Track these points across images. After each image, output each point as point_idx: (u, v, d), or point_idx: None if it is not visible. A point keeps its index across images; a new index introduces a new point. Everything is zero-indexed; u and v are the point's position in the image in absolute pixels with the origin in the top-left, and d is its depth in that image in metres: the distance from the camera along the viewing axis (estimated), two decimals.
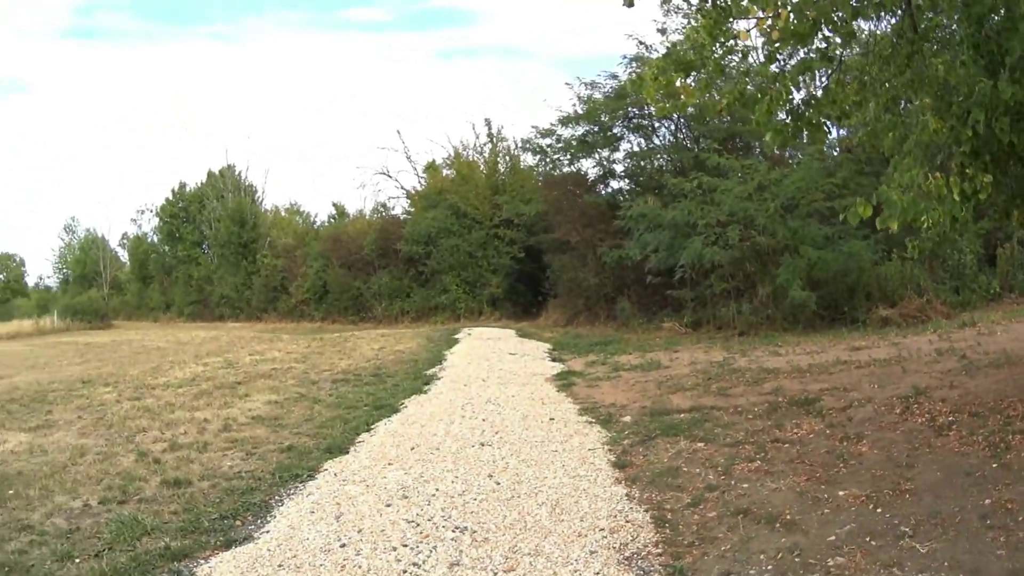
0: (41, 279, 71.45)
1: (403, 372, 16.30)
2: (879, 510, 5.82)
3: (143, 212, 59.41)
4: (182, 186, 53.88)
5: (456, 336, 24.27)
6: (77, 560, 6.35)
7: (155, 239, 56.98)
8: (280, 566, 5.84)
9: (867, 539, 5.34)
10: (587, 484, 7.41)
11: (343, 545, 6.20)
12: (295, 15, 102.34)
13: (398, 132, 40.59)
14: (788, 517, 5.92)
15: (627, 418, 10.20)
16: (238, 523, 6.95)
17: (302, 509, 7.23)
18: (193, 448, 9.97)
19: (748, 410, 9.79)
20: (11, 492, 8.46)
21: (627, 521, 6.31)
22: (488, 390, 13.30)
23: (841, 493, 6.28)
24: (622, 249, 22.37)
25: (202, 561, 6.10)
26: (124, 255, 63.15)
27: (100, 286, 57.16)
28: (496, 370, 15.82)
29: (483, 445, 9.24)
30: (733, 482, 7.02)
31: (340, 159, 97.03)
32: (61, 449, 10.43)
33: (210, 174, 51.82)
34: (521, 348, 19.75)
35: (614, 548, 5.77)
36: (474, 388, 13.61)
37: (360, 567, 5.72)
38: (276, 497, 7.68)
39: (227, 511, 7.26)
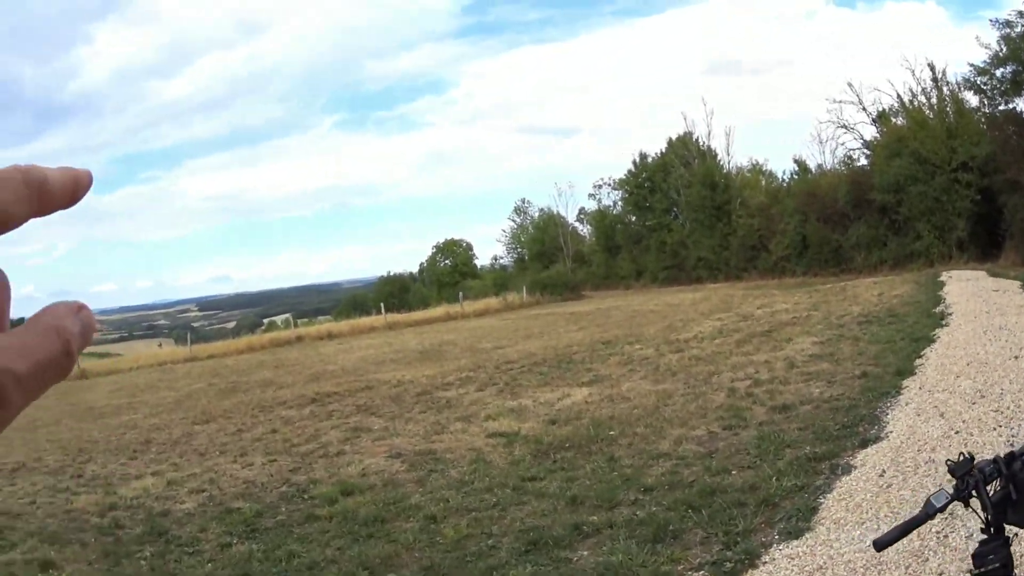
0: (496, 259, 73.35)
1: (914, 312, 17.48)
2: None
3: (600, 187, 60.47)
4: (643, 156, 54.46)
5: (940, 279, 25.15)
6: (733, 472, 7.61)
7: (618, 210, 57.91)
8: (919, 450, 7.60)
9: None
10: None
11: (956, 432, 7.96)
12: None
13: (849, 84, 40.06)
14: None
15: None
16: (859, 429, 8.64)
17: (908, 413, 9.03)
18: (775, 383, 11.65)
19: None
20: (612, 432, 9.77)
21: None
22: (994, 319, 14.84)
23: None
24: None
25: (848, 457, 7.76)
26: (582, 229, 64.40)
27: (562, 260, 59.14)
28: (991, 304, 17.28)
29: (1016, 358, 11.02)
30: None
31: (787, 116, 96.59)
32: (641, 395, 12.14)
33: (670, 142, 52.17)
34: (999, 285, 20.97)
35: None
36: (982, 319, 15.12)
37: (977, 443, 7.39)
38: (878, 410, 9.37)
39: (844, 423, 8.95)
